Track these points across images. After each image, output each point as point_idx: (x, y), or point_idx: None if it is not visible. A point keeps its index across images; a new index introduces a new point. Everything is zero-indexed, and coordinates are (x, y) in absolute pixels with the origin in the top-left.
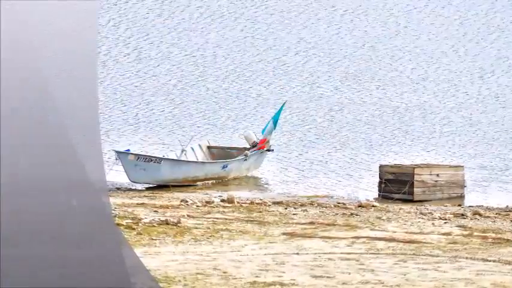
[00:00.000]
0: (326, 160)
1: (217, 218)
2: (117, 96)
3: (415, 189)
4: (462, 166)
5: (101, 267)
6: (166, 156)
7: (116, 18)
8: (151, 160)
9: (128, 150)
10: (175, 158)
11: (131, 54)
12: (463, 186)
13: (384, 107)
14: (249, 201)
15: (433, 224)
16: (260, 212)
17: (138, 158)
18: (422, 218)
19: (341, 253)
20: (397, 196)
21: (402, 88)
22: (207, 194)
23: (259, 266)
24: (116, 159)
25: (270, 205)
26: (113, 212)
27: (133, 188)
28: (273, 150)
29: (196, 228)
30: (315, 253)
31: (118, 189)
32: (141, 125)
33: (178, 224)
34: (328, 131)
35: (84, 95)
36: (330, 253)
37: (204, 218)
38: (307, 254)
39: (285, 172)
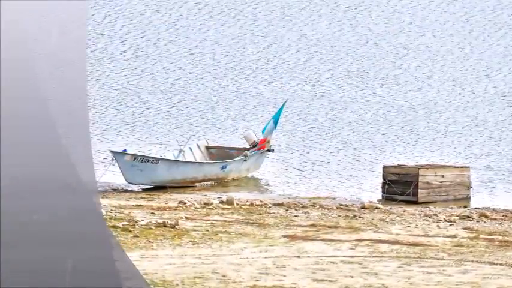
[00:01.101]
0: (328, 161)
1: (216, 220)
2: (113, 94)
3: (419, 190)
4: (468, 167)
5: (92, 270)
6: (163, 157)
7: (112, 14)
8: (149, 160)
9: (125, 150)
10: (173, 158)
11: (128, 52)
12: (468, 188)
13: (387, 106)
14: (248, 203)
15: (438, 226)
16: (260, 213)
17: (135, 159)
18: (427, 220)
19: (343, 256)
20: (401, 197)
21: (406, 86)
22: (205, 195)
23: (259, 270)
24: (112, 159)
25: (270, 207)
26: (109, 213)
27: (130, 189)
28: (273, 150)
29: (195, 230)
30: (317, 256)
31: (114, 190)
32: (137, 125)
33: (176, 226)
34: (330, 130)
35: (74, 95)
36: (332, 256)
37: (203, 220)
38: (308, 257)
39: (286, 173)
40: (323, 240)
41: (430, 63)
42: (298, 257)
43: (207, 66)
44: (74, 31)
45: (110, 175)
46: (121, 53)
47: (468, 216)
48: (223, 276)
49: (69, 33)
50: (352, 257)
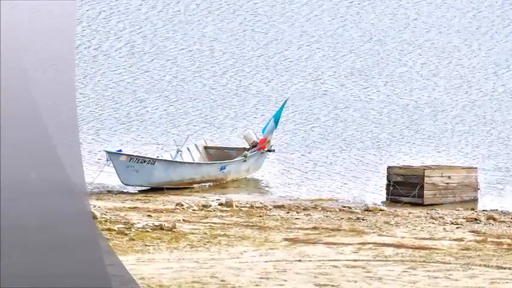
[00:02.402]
0: (331, 161)
1: (214, 223)
2: (108, 93)
3: (425, 192)
4: (475, 167)
5: (80, 274)
6: (160, 157)
7: (107, 10)
8: (145, 161)
9: (120, 150)
10: (170, 158)
11: (123, 49)
12: (476, 189)
13: (392, 104)
14: (248, 205)
15: (444, 229)
16: (260, 216)
17: (131, 159)
18: (433, 223)
19: (346, 260)
20: (406, 199)
21: (412, 84)
22: (204, 197)
23: (259, 274)
24: (107, 160)
25: (270, 209)
26: (104, 216)
27: (126, 190)
28: (274, 150)
29: (193, 233)
30: (319, 260)
31: (109, 192)
32: (133, 124)
33: (174, 229)
34: (333, 130)
35: (63, 95)
36: (334, 260)
37: (201, 222)
38: (310, 261)
39: (287, 174)
40: (325, 243)
41: (436, 60)
42: (300, 260)
43: (206, 63)
44: (64, 30)
45: (105, 176)
46: (116, 50)
47: (475, 219)
48: (222, 280)
49: (58, 32)
50: (355, 260)
